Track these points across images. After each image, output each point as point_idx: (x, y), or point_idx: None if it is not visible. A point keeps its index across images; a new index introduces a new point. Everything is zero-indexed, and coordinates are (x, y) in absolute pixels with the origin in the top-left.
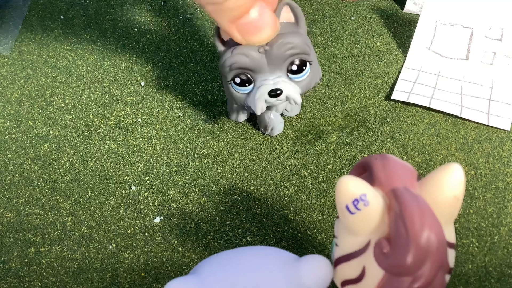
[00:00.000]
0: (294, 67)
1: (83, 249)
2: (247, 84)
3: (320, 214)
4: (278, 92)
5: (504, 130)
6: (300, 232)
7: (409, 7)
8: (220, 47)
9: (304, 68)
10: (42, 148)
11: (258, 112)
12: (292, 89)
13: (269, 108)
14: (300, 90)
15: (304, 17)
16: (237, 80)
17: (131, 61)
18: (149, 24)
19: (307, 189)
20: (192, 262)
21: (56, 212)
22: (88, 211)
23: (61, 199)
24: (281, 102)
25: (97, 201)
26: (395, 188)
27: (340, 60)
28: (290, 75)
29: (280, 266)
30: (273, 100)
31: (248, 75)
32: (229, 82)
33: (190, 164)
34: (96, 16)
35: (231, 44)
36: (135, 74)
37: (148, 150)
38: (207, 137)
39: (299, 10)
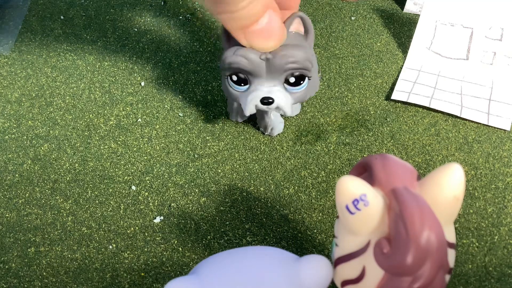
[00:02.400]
0: (292, 79)
1: (83, 249)
2: (242, 84)
3: (320, 214)
4: (270, 100)
5: (504, 130)
6: (300, 232)
7: (409, 7)
8: (225, 43)
9: (301, 82)
10: (42, 148)
11: (247, 114)
12: (284, 99)
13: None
14: (293, 102)
15: (312, 27)
16: (234, 78)
17: (131, 61)
18: (149, 24)
19: (307, 189)
20: (192, 262)
21: (56, 212)
22: (88, 211)
23: (61, 199)
24: (271, 109)
25: (97, 201)
26: (395, 188)
27: (340, 60)
28: (286, 85)
29: (280, 266)
30: (263, 107)
31: (245, 76)
32: (226, 77)
33: (190, 164)
34: (96, 16)
35: (235, 42)
36: (135, 74)
37: (148, 150)
38: (207, 137)
39: (310, 23)
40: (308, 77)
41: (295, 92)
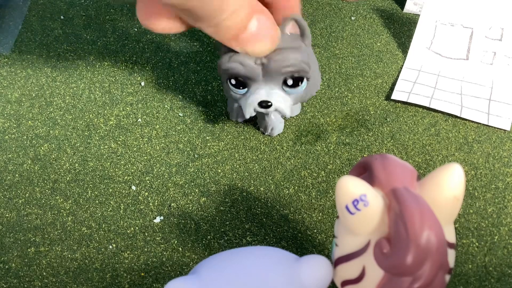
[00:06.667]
0: (290, 82)
1: (83, 249)
2: (241, 87)
3: (320, 214)
4: (268, 104)
5: (504, 130)
6: (300, 232)
7: (409, 7)
8: (221, 46)
9: (300, 83)
10: (42, 148)
11: (247, 116)
12: (282, 102)
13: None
14: (292, 103)
15: (308, 28)
16: (233, 81)
17: (131, 61)
18: None
19: (307, 189)
20: (192, 262)
21: (56, 212)
22: (88, 211)
23: (61, 199)
24: (271, 112)
25: (97, 201)
26: (395, 188)
27: (340, 60)
28: (285, 87)
29: (280, 266)
30: (262, 110)
31: (243, 80)
32: (226, 80)
33: (190, 164)
34: (96, 16)
35: None
36: (135, 74)
37: (148, 150)
38: (207, 137)
39: (306, 26)
40: (306, 78)
41: (294, 94)
